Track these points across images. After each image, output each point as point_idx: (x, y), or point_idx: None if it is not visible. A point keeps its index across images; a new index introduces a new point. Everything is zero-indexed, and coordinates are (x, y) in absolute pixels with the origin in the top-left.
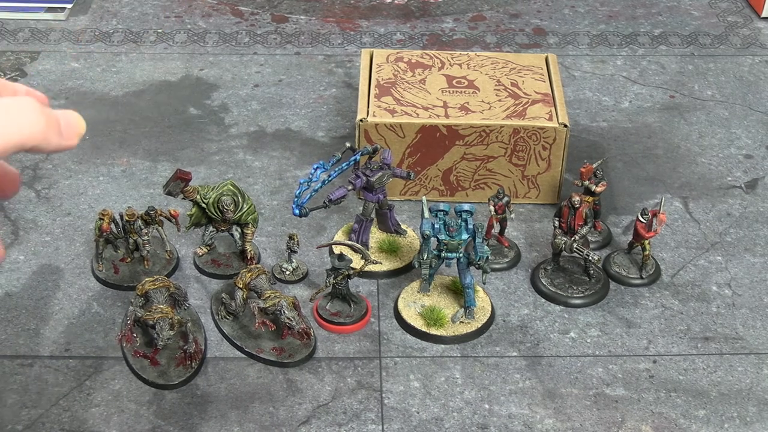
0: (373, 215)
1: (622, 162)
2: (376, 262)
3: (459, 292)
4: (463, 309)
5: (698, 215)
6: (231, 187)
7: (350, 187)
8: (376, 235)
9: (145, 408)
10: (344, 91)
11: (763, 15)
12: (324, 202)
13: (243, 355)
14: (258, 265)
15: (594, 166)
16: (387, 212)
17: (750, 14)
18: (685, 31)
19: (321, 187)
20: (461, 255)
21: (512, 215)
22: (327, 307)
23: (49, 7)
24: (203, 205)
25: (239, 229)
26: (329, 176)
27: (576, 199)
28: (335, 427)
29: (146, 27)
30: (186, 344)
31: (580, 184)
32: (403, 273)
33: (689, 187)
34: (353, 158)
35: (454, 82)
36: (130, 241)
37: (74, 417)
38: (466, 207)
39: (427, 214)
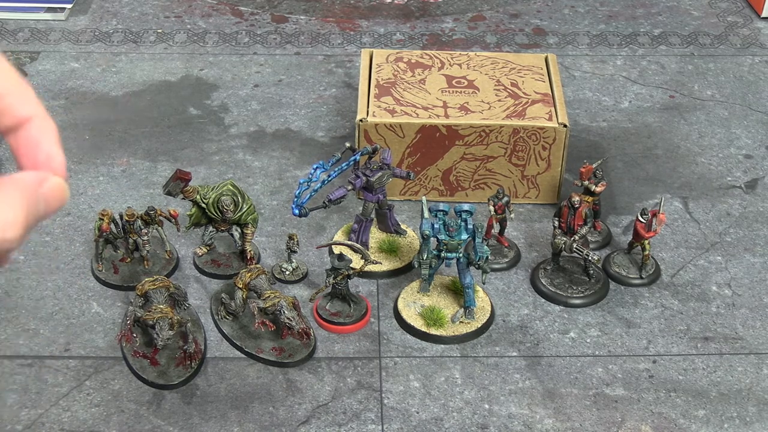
0: (372, 215)
1: (622, 162)
2: (376, 262)
3: (459, 292)
4: (462, 309)
5: (698, 215)
6: (231, 187)
7: (350, 187)
8: (375, 235)
9: (144, 408)
10: (344, 91)
11: (763, 15)
12: (324, 202)
13: (243, 355)
14: (258, 265)
15: (594, 166)
16: (387, 212)
17: (750, 14)
18: (684, 31)
19: (321, 187)
20: (461, 255)
21: (512, 215)
22: (327, 307)
23: (49, 7)
24: (203, 205)
25: (239, 229)
26: (329, 176)
27: (576, 199)
28: (335, 427)
29: (146, 27)
30: (186, 344)
31: (579, 184)
32: (402, 273)
33: (689, 187)
34: (353, 158)
35: (453, 82)
36: (130, 241)
37: (74, 417)
38: (465, 207)
39: (426, 214)
